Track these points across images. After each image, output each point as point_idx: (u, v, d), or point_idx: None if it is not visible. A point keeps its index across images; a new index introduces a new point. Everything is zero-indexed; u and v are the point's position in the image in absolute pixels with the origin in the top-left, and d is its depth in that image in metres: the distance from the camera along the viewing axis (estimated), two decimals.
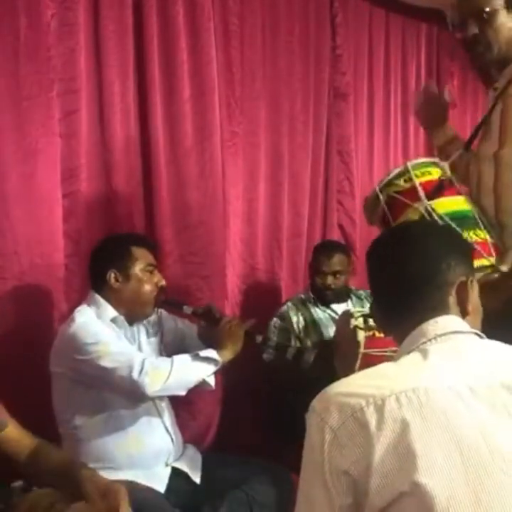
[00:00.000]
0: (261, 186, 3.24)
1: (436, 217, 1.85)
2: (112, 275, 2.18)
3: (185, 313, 2.35)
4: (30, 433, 1.70)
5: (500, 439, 0.98)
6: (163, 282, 2.25)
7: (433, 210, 1.88)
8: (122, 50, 2.66)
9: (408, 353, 1.12)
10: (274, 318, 3.01)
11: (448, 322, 1.15)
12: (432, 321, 1.15)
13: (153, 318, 2.33)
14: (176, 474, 2.17)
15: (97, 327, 2.10)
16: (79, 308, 2.17)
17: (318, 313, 3.03)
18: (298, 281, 3.38)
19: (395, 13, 3.93)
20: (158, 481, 2.11)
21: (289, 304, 3.06)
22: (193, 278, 2.87)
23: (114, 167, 2.66)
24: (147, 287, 2.21)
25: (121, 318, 2.19)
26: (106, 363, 2.00)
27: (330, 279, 3.02)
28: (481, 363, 1.08)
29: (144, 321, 2.30)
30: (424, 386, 1.01)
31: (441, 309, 1.17)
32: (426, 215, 1.87)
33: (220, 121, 2.97)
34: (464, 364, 1.08)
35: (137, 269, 2.21)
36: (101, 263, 2.23)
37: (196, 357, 2.11)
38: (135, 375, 1.98)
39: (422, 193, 1.92)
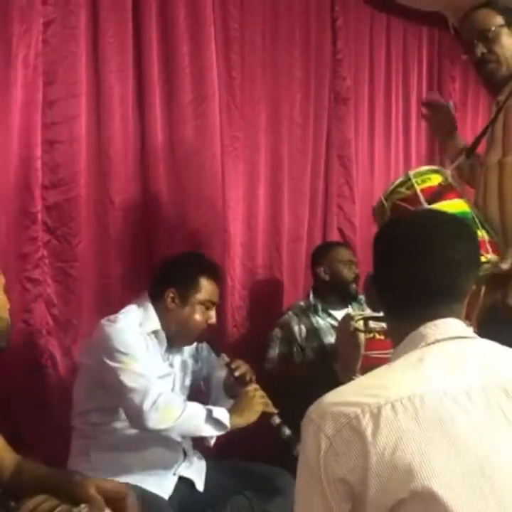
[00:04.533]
0: (261, 190, 3.23)
1: None
2: (171, 295, 2.17)
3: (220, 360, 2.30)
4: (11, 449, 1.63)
5: (497, 443, 0.98)
6: (214, 320, 2.24)
7: None
8: (122, 54, 2.66)
9: (405, 355, 1.11)
10: (276, 329, 2.98)
11: (448, 326, 1.13)
12: (431, 324, 1.13)
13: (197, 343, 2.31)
14: (181, 481, 2.16)
15: (134, 339, 2.07)
16: (127, 307, 2.16)
17: (319, 321, 3.00)
18: (298, 285, 3.37)
19: (396, 17, 3.91)
20: (164, 488, 2.10)
21: (290, 313, 3.02)
22: None
23: (112, 172, 2.66)
24: (198, 318, 2.19)
25: (163, 334, 2.17)
26: (125, 378, 1.98)
27: (355, 269, 3.00)
28: (477, 366, 1.07)
29: None
30: (420, 393, 1.01)
31: (447, 315, 1.14)
32: None
33: (220, 126, 2.98)
34: (459, 368, 1.07)
35: (197, 299, 2.19)
36: (166, 277, 2.22)
37: (209, 415, 2.03)
38: (146, 405, 1.95)
39: (422, 198, 2.02)
